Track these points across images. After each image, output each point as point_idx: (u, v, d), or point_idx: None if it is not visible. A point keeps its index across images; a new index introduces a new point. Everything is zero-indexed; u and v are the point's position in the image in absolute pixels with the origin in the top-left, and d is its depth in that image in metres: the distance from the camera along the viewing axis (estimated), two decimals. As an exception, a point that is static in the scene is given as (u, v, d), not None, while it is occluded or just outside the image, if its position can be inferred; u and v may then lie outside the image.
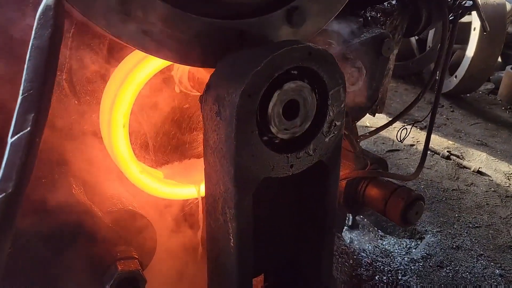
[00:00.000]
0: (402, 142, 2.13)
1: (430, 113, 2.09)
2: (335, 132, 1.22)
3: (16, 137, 0.65)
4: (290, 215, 1.33)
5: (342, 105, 1.20)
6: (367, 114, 2.04)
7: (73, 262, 1.15)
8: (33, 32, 0.72)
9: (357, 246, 2.77)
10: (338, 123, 1.22)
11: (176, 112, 1.72)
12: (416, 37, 5.51)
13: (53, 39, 0.69)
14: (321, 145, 1.21)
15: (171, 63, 1.46)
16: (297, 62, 1.06)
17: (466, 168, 3.73)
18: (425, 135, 4.08)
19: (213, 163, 1.16)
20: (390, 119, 2.35)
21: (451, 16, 1.82)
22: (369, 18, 1.77)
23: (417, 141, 3.97)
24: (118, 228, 1.28)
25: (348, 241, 2.90)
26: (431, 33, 5.14)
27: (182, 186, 1.59)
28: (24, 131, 0.64)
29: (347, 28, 1.59)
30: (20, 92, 0.66)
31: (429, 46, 5.12)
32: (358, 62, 1.47)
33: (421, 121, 2.19)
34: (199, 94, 1.65)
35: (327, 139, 1.21)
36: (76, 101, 1.54)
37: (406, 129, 2.02)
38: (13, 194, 0.63)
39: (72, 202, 1.17)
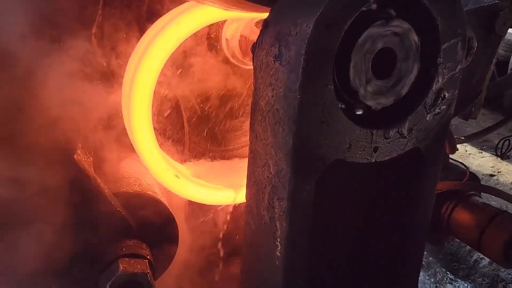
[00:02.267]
0: (501, 160, 1.66)
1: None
2: (443, 108, 0.84)
3: None
4: (361, 222, 0.95)
5: (458, 69, 0.83)
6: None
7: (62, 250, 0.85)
8: None
9: (422, 288, 2.27)
10: (448, 95, 0.84)
11: (220, 89, 1.42)
12: (495, 59, 4.92)
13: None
14: (421, 125, 0.83)
15: (213, 21, 1.17)
16: (402, -12, 0.72)
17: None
18: (507, 165, 3.48)
19: (262, 135, 0.82)
20: (465, 144, 1.90)
21: None
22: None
23: (498, 171, 3.37)
24: (129, 215, 0.96)
25: (411, 279, 2.40)
26: (513, 55, 4.56)
27: (215, 189, 1.25)
28: None
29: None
30: None
31: (511, 69, 4.53)
32: (468, 30, 1.09)
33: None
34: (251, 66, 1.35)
35: (429, 117, 0.84)
36: (104, 63, 1.29)
37: (509, 140, 1.57)
38: None
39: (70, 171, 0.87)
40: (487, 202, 1.48)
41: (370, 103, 0.76)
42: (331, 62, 0.70)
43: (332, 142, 0.76)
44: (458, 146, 1.68)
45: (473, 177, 1.49)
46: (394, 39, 0.74)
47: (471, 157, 3.55)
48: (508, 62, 4.63)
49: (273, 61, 0.75)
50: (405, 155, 0.85)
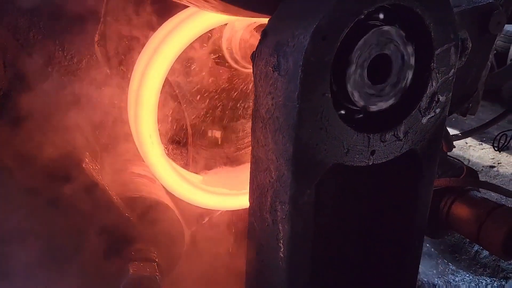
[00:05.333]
0: (500, 152, 1.69)
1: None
2: (437, 111, 0.87)
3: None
4: (361, 222, 0.98)
5: (451, 73, 0.86)
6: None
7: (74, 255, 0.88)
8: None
9: (425, 279, 2.31)
10: (442, 99, 0.87)
11: (221, 93, 1.45)
12: (494, 51, 4.92)
13: None
14: (416, 128, 0.86)
15: (217, 24, 1.19)
16: (395, -2, 0.74)
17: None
18: (507, 156, 3.51)
19: (263, 141, 0.85)
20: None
21: None
22: (468, -9, 1.40)
23: (498, 163, 3.40)
24: (137, 220, 1.00)
25: (413, 272, 2.44)
26: (513, 45, 4.55)
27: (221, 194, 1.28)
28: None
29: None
30: None
31: (511, 60, 4.53)
32: (463, 32, 1.11)
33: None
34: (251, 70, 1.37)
35: (424, 120, 0.87)
36: (108, 70, 1.32)
37: (506, 135, 1.59)
38: None
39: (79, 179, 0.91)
40: (486, 195, 1.52)
41: (371, 109, 0.79)
42: (328, 72, 0.73)
43: (330, 148, 0.79)
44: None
45: (471, 172, 1.52)
46: (390, 46, 0.77)
47: (472, 149, 3.57)
48: (507, 53, 4.63)
49: (272, 71, 0.78)
50: (402, 157, 0.88)
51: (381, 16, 0.78)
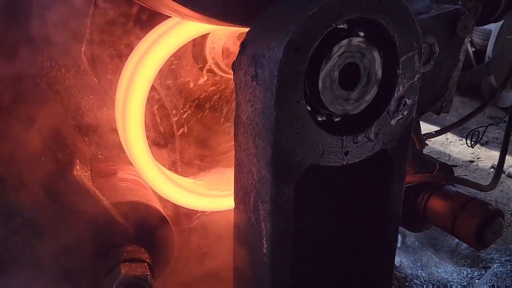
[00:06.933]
0: (473, 147, 1.78)
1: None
2: (405, 113, 0.94)
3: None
4: (339, 219, 1.05)
5: (416, 77, 0.93)
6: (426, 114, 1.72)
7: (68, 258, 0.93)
8: None
9: (409, 272, 2.39)
10: (409, 102, 0.94)
11: (206, 98, 1.50)
12: (473, 49, 5.07)
13: None
14: (386, 129, 0.93)
15: (200, 33, 1.25)
16: (361, 12, 0.81)
17: (536, 190, 3.24)
18: (486, 151, 3.63)
19: (245, 145, 0.91)
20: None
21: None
22: (439, -4, 1.48)
23: (477, 157, 3.53)
24: (128, 223, 1.05)
25: (397, 264, 2.52)
26: (490, 42, 4.68)
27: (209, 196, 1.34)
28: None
29: (414, 1, 1.31)
30: None
31: (489, 57, 4.66)
32: (430, 37, 1.19)
33: (500, 122, 1.83)
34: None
35: (393, 122, 0.94)
36: (95, 79, 1.36)
37: (479, 131, 1.68)
38: None
39: (71, 186, 0.95)
40: (464, 189, 1.60)
41: (337, 111, 0.85)
42: (302, 81, 0.80)
43: (306, 150, 0.85)
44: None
45: (445, 167, 1.60)
46: (358, 55, 0.84)
47: (452, 144, 3.70)
48: (485, 51, 4.77)
49: (250, 80, 0.84)
50: (374, 156, 0.94)
51: (349, 27, 0.85)
